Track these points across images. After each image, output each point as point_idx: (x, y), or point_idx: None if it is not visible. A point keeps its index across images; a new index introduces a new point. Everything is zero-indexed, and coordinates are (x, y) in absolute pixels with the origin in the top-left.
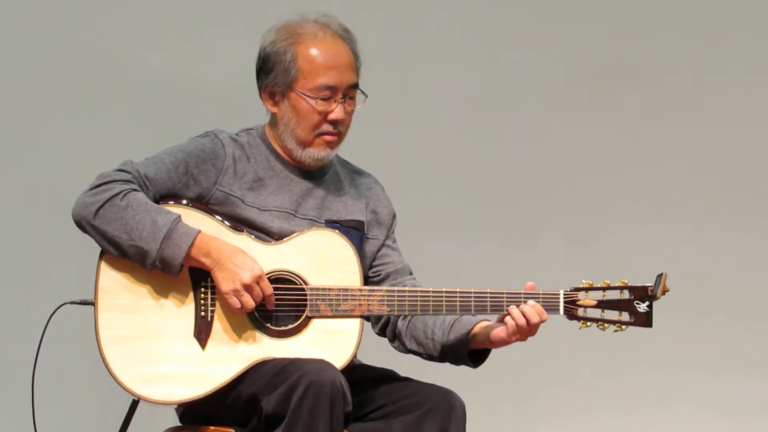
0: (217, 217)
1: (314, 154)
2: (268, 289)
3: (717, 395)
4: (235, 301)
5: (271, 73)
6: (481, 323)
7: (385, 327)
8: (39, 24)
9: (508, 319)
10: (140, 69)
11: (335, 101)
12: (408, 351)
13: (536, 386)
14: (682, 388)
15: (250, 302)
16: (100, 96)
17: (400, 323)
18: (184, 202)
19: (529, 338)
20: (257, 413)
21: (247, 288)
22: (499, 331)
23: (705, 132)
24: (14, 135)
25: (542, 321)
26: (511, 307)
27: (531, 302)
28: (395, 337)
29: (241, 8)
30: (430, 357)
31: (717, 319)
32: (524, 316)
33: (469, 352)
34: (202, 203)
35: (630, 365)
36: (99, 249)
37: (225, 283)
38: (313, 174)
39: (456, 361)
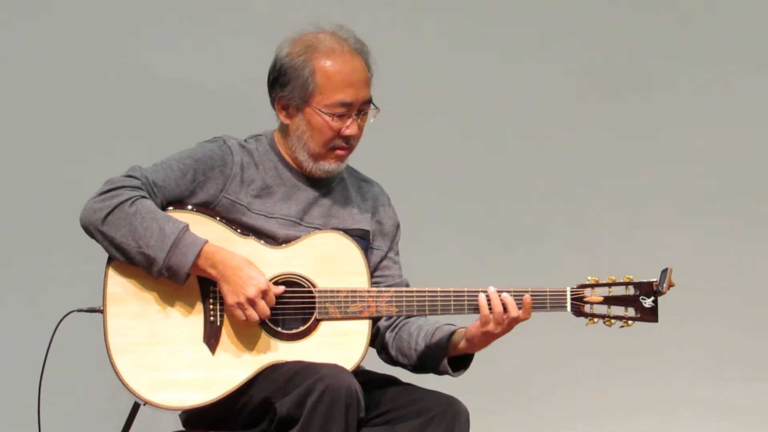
0: (224, 221)
1: (325, 167)
2: (272, 302)
3: (721, 401)
4: (240, 314)
5: (288, 86)
6: (461, 329)
7: (374, 338)
8: (47, 28)
9: (482, 300)
10: (148, 73)
11: (349, 117)
12: (394, 363)
13: (540, 393)
14: (686, 394)
15: (254, 316)
16: (110, 101)
17: (387, 335)
18: (190, 207)
19: (534, 345)
20: (269, 417)
21: (252, 302)
22: (474, 324)
23: (710, 137)
24: (22, 141)
25: (522, 318)
26: (489, 289)
27: (506, 294)
28: (382, 349)
29: (251, 15)
30: (413, 367)
31: (721, 325)
32: (503, 303)
33: (451, 359)
34: (209, 209)
35: (634, 371)
36: (107, 256)
37: (230, 296)
38: (321, 183)
39: (436, 366)
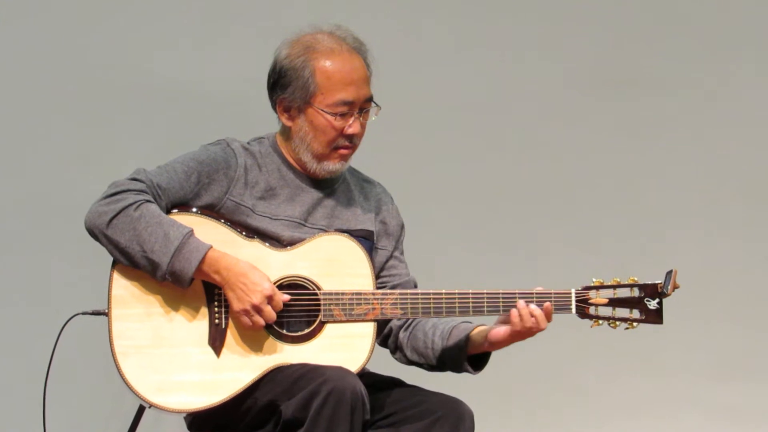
0: (229, 224)
1: (329, 167)
2: (279, 306)
3: (723, 403)
4: (246, 321)
5: (288, 88)
6: (479, 327)
7: (386, 338)
8: (50, 31)
9: (514, 315)
10: (151, 76)
11: (351, 116)
12: (409, 362)
13: (544, 395)
14: (688, 396)
15: (260, 322)
16: (113, 103)
17: (401, 334)
18: (195, 209)
19: (537, 347)
20: (274, 419)
21: (257, 308)
22: (500, 331)
23: (713, 138)
24: (25, 143)
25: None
26: (520, 304)
27: (535, 306)
28: (397, 349)
29: (251, 16)
30: (431, 367)
31: (723, 327)
32: (533, 316)
33: (469, 357)
34: (213, 211)
35: (636, 373)
36: (111, 259)
37: (235, 303)
38: (324, 184)
39: (456, 367)
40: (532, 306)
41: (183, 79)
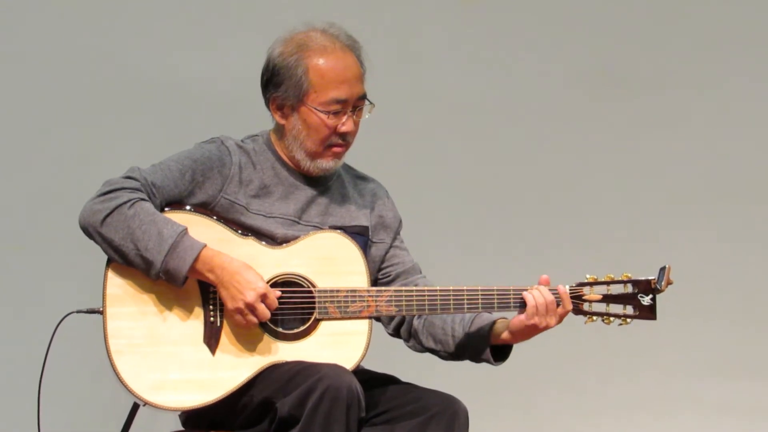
0: (223, 222)
1: (323, 164)
2: (274, 305)
3: (722, 401)
4: (240, 320)
5: (281, 86)
6: (501, 319)
7: (399, 327)
8: (49, 29)
9: (527, 297)
10: (146, 74)
11: (345, 114)
12: (425, 349)
13: (540, 392)
14: (686, 394)
15: (254, 321)
16: (107, 102)
17: (415, 322)
18: (189, 207)
19: (535, 343)
20: (269, 417)
21: (251, 307)
22: (519, 316)
23: (711, 137)
24: (21, 141)
25: (565, 311)
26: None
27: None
28: (411, 336)
29: (248, 15)
30: (448, 354)
31: (721, 325)
32: (543, 296)
33: (491, 348)
34: (207, 209)
35: (634, 371)
36: (106, 257)
37: (229, 302)
38: (318, 181)
39: (476, 356)
40: (543, 289)
41: (179, 78)
